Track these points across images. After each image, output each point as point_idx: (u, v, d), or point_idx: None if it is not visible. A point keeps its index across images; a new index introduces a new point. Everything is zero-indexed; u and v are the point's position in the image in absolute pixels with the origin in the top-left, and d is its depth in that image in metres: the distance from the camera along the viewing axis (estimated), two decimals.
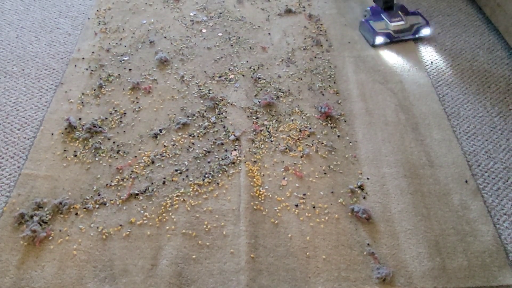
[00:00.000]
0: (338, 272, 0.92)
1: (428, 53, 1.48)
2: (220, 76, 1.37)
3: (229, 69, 1.40)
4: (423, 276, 0.92)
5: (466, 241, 0.98)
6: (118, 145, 1.16)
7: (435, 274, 0.92)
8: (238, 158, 1.13)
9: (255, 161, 1.13)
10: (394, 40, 1.49)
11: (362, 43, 1.51)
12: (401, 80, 1.38)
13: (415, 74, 1.40)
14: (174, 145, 1.17)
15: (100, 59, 1.42)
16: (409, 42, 1.51)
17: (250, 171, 1.10)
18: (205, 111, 1.26)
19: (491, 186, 1.09)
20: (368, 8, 1.57)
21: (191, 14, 1.63)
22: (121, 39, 1.50)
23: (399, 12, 1.51)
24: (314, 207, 1.04)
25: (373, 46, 1.49)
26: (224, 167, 1.11)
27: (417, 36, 1.50)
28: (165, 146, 1.16)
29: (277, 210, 1.03)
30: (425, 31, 1.51)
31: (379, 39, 1.48)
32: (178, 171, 1.10)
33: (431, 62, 1.44)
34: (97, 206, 1.03)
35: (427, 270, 0.93)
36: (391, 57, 1.46)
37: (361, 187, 1.08)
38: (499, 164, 1.14)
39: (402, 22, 1.49)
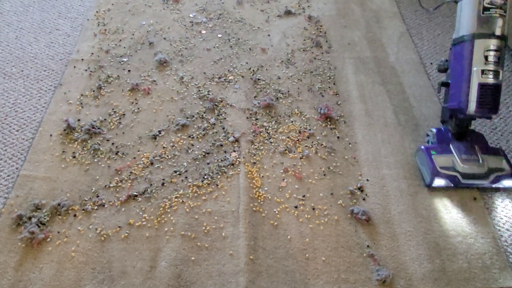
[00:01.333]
0: (337, 274, 0.92)
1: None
2: (219, 78, 1.37)
3: (228, 70, 1.40)
4: (423, 278, 0.92)
5: (466, 243, 0.98)
6: (117, 146, 1.16)
7: (435, 276, 0.92)
8: (238, 159, 1.13)
9: (254, 163, 1.13)
10: (460, 187, 1.07)
11: (361, 45, 1.51)
12: (401, 81, 1.38)
13: (415, 76, 1.40)
14: (173, 146, 1.16)
15: (99, 60, 1.41)
16: None
17: (250, 172, 1.10)
18: (205, 112, 1.26)
19: (492, 188, 1.09)
20: (433, 130, 1.14)
21: (191, 15, 1.63)
22: (120, 40, 1.50)
23: (475, 146, 1.07)
24: (313, 209, 1.03)
25: (428, 187, 1.08)
26: (223, 168, 1.11)
27: (494, 186, 1.07)
28: (164, 147, 1.16)
29: (277, 212, 1.02)
30: (508, 183, 1.06)
31: (439, 182, 1.06)
32: (177, 173, 1.10)
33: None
34: (95, 207, 1.02)
35: (427, 272, 0.93)
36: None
37: (360, 189, 1.08)
38: None
39: (477, 163, 1.05)
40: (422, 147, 1.10)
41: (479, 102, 1.01)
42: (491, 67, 1.01)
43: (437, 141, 1.11)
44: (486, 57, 1.01)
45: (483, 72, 1.01)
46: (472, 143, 1.08)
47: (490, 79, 1.01)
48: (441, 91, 1.17)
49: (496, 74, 1.01)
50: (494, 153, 1.09)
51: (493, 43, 1.01)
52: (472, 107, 1.02)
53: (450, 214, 1.03)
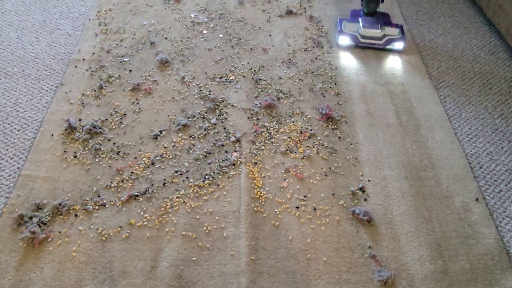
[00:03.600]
0: (339, 275, 0.92)
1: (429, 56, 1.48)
2: (220, 77, 1.37)
3: (229, 70, 1.40)
4: (425, 279, 0.91)
5: (468, 243, 0.97)
6: (118, 146, 1.16)
7: (436, 277, 0.92)
8: (239, 159, 1.13)
9: (255, 163, 1.12)
10: (360, 45, 1.45)
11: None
12: (402, 82, 1.37)
13: (416, 76, 1.40)
14: (174, 146, 1.16)
15: (100, 60, 1.41)
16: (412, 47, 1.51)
17: (251, 172, 1.10)
18: (206, 112, 1.25)
19: (493, 188, 1.09)
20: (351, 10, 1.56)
21: (192, 15, 1.63)
22: (121, 40, 1.50)
23: (378, 20, 1.45)
24: (315, 209, 1.03)
25: (337, 46, 1.46)
26: (225, 168, 1.11)
27: (387, 47, 1.44)
28: (165, 147, 1.16)
29: (278, 212, 1.02)
30: (398, 45, 1.45)
31: (343, 40, 1.45)
32: (178, 173, 1.10)
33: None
34: (96, 207, 1.02)
35: (428, 273, 0.92)
36: (393, 60, 1.45)
37: (362, 189, 1.07)
38: (501, 166, 1.14)
39: (375, 30, 1.42)
40: (338, 18, 1.51)
41: None
42: None
43: (350, 15, 1.52)
44: None
45: None
46: (377, 18, 1.45)
47: None
48: None
49: None
50: (394, 26, 1.45)
51: None
52: None
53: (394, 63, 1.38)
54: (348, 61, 1.42)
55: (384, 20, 1.47)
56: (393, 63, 1.44)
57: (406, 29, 1.57)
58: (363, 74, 1.40)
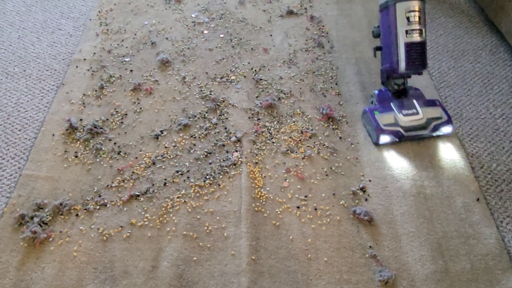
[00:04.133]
0: (339, 275, 0.92)
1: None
2: (221, 78, 1.37)
3: (230, 70, 1.40)
4: (426, 279, 0.91)
5: (469, 243, 0.97)
6: (119, 146, 1.16)
7: (437, 277, 0.92)
8: (239, 159, 1.13)
9: (256, 163, 1.12)
10: (404, 140, 1.17)
11: (364, 45, 1.51)
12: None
13: (417, 76, 1.39)
14: (175, 146, 1.16)
15: (101, 60, 1.41)
16: None
17: (252, 172, 1.10)
18: (207, 112, 1.26)
19: (494, 188, 1.09)
20: (375, 92, 1.22)
21: (193, 15, 1.63)
22: (122, 40, 1.50)
23: (414, 101, 1.16)
24: (315, 209, 1.03)
25: (377, 145, 1.17)
26: (225, 168, 1.11)
27: (434, 134, 1.17)
28: (166, 147, 1.16)
29: (279, 212, 1.02)
30: (446, 129, 1.17)
31: (385, 138, 1.15)
32: (179, 172, 1.10)
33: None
34: (97, 207, 1.02)
35: (429, 273, 0.92)
36: None
37: (363, 189, 1.07)
38: (502, 166, 1.14)
39: (417, 116, 1.14)
40: (366, 108, 1.19)
41: (407, 61, 1.12)
42: (413, 26, 1.10)
43: (378, 101, 1.20)
44: (408, 18, 1.11)
45: (407, 32, 1.11)
46: (410, 99, 1.17)
47: (414, 38, 1.11)
48: (376, 55, 1.23)
49: (420, 32, 1.11)
50: (431, 105, 1.18)
51: (412, 5, 1.10)
52: (402, 66, 1.13)
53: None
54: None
55: (418, 97, 1.19)
56: None
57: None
58: (364, 74, 1.40)
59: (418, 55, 1.12)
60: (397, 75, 1.18)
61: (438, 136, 1.18)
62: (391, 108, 1.16)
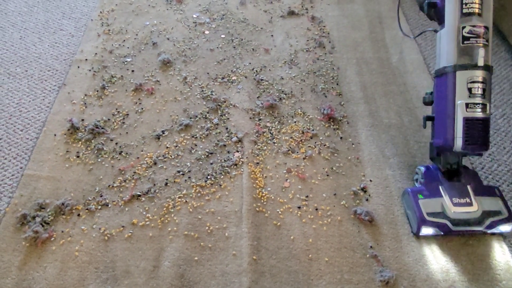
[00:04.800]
0: (340, 275, 0.92)
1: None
2: (222, 78, 1.37)
3: (231, 70, 1.40)
4: (426, 279, 0.91)
5: (470, 244, 0.97)
6: (120, 146, 1.16)
7: (438, 277, 0.92)
8: (241, 159, 1.13)
9: (257, 163, 1.13)
10: (450, 234, 0.97)
11: (365, 45, 1.51)
12: (404, 82, 1.37)
13: (418, 76, 1.40)
14: (176, 146, 1.16)
15: (103, 61, 1.42)
16: None
17: (253, 172, 1.10)
18: (208, 113, 1.26)
19: None
20: (422, 169, 1.04)
21: (194, 16, 1.63)
22: (124, 40, 1.50)
23: (468, 187, 0.96)
24: (316, 209, 1.03)
25: (416, 235, 0.98)
26: (227, 168, 1.11)
27: (489, 232, 0.97)
28: (167, 147, 1.16)
29: (280, 212, 1.02)
30: (504, 228, 0.96)
31: (427, 231, 0.96)
32: (181, 173, 1.10)
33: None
34: (99, 207, 1.02)
35: (430, 273, 0.92)
36: None
37: (364, 189, 1.07)
38: (503, 167, 1.14)
39: (470, 208, 0.94)
40: (409, 189, 1.00)
41: (466, 139, 0.93)
42: (476, 100, 0.92)
43: (425, 181, 1.01)
44: (470, 90, 0.93)
45: (467, 105, 0.93)
46: (464, 183, 0.97)
47: (476, 113, 0.92)
48: (427, 125, 1.07)
49: (483, 107, 0.92)
50: (489, 194, 0.97)
51: (476, 75, 0.92)
52: (458, 144, 0.93)
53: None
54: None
55: (474, 182, 0.99)
56: (395, 64, 1.44)
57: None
58: (365, 74, 1.40)
59: (479, 133, 0.92)
60: (451, 154, 0.99)
61: None
62: (440, 193, 0.97)
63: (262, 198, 1.05)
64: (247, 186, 1.06)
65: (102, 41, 1.49)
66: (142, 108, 1.27)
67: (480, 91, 0.92)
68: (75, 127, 1.19)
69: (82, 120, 1.23)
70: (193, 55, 1.45)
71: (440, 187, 0.98)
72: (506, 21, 1.48)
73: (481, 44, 0.93)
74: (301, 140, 1.19)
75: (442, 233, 0.96)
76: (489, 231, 0.96)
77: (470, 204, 0.94)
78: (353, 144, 1.18)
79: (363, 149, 1.17)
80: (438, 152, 1.02)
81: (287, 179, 1.09)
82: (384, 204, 1.05)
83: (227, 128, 1.21)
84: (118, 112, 1.25)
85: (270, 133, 1.20)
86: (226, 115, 1.25)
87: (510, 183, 1.10)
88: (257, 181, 1.08)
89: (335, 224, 1.00)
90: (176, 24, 1.58)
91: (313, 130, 1.21)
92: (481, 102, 0.92)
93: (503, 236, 0.98)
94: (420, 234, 0.97)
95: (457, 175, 1.00)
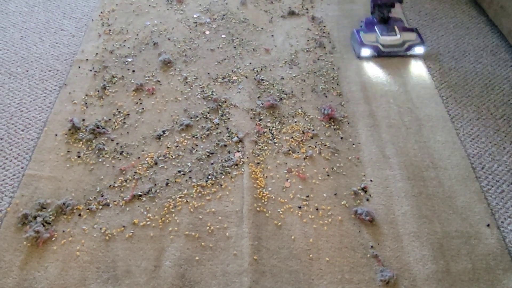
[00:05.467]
0: (341, 275, 0.92)
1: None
2: (223, 78, 1.37)
3: (232, 70, 1.40)
4: (427, 279, 0.91)
5: (470, 243, 0.98)
6: (121, 146, 1.16)
7: (439, 277, 0.92)
8: (241, 159, 1.13)
9: (258, 163, 1.13)
10: (382, 55, 1.43)
11: None
12: (404, 82, 1.38)
13: (418, 77, 1.40)
14: (177, 146, 1.17)
15: (103, 61, 1.42)
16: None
17: (253, 172, 1.10)
18: (208, 113, 1.26)
19: (495, 189, 1.09)
20: (363, 19, 1.52)
21: (195, 16, 1.63)
22: (124, 40, 1.50)
23: (395, 27, 1.43)
24: (317, 209, 1.03)
25: (359, 58, 1.43)
26: (227, 168, 1.11)
27: (408, 53, 1.43)
28: (168, 147, 1.16)
29: (280, 212, 1.03)
30: (418, 50, 1.44)
31: (365, 52, 1.42)
32: (181, 173, 1.10)
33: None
34: (100, 207, 1.03)
35: (431, 273, 0.93)
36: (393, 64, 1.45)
37: (364, 189, 1.08)
38: (503, 167, 1.14)
39: (395, 37, 1.41)
40: (354, 30, 1.48)
41: None
42: None
43: (365, 25, 1.49)
44: None
45: None
46: (392, 25, 1.44)
47: None
48: None
49: None
50: (409, 30, 1.44)
51: None
52: None
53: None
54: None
55: (399, 25, 1.45)
56: (398, 65, 1.44)
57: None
58: (365, 75, 1.40)
59: None
60: (379, 4, 1.44)
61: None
62: (375, 30, 1.44)
63: (263, 198, 1.05)
64: (247, 186, 1.07)
65: (103, 41, 1.49)
66: (143, 108, 1.27)
67: None
68: (76, 127, 1.19)
69: (83, 120, 1.23)
70: (194, 55, 1.45)
71: (375, 26, 1.45)
72: (506, 22, 1.48)
73: None
74: (301, 140, 1.19)
75: (376, 54, 1.43)
76: (408, 53, 1.44)
77: (396, 35, 1.42)
78: (353, 144, 1.19)
79: (364, 149, 1.17)
80: (373, 6, 1.47)
81: (287, 179, 1.10)
82: (384, 204, 1.05)
83: (227, 128, 1.21)
84: (119, 112, 1.26)
85: (271, 133, 1.21)
86: (227, 115, 1.25)
87: (510, 183, 1.10)
88: (257, 181, 1.08)
89: (335, 224, 1.01)
90: (176, 24, 1.58)
91: (313, 130, 1.22)
92: None
93: (419, 57, 1.45)
94: (361, 55, 1.43)
95: (387, 21, 1.46)
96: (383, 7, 1.45)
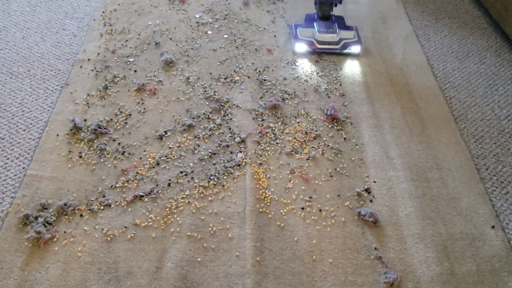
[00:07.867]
0: (345, 276, 0.91)
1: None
2: (225, 78, 1.37)
3: (234, 71, 1.39)
4: (431, 281, 0.91)
5: (475, 245, 0.97)
6: (123, 147, 1.16)
7: (443, 279, 0.91)
8: (244, 160, 1.12)
9: (260, 164, 1.12)
10: (317, 51, 1.43)
11: (367, 45, 1.51)
12: (408, 82, 1.37)
13: (421, 77, 1.39)
14: (179, 146, 1.16)
15: (105, 60, 1.41)
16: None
17: (256, 173, 1.09)
18: (211, 113, 1.25)
19: (500, 190, 1.08)
20: (304, 15, 1.52)
21: (197, 16, 1.63)
22: (126, 40, 1.50)
23: (335, 24, 1.43)
24: (320, 210, 1.03)
25: (293, 53, 1.43)
26: (230, 169, 1.10)
27: (344, 51, 1.43)
28: (170, 147, 1.16)
29: (283, 213, 1.02)
30: (355, 49, 1.43)
31: (300, 47, 1.42)
32: (183, 173, 1.09)
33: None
34: (101, 207, 1.02)
35: (435, 275, 0.92)
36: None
37: (367, 190, 1.07)
38: (507, 168, 1.13)
39: (331, 35, 1.40)
40: (293, 23, 1.49)
41: None
42: None
43: (304, 20, 1.50)
44: None
45: None
46: (333, 22, 1.44)
47: None
48: None
49: None
50: (348, 29, 1.44)
51: None
52: None
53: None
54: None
55: (339, 23, 1.46)
56: (399, 64, 1.43)
57: (362, 31, 1.55)
58: (369, 75, 1.39)
59: None
60: (322, 2, 1.43)
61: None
62: (313, 26, 1.44)
63: (266, 199, 1.04)
64: (250, 187, 1.06)
65: (104, 41, 1.49)
66: (145, 108, 1.26)
67: None
68: (77, 127, 1.19)
69: (85, 120, 1.22)
70: (196, 55, 1.45)
71: (314, 23, 1.44)
72: (510, 22, 1.47)
73: None
74: (304, 141, 1.18)
75: (311, 50, 1.42)
76: (344, 51, 1.43)
77: (334, 33, 1.41)
78: (356, 145, 1.18)
79: (367, 150, 1.16)
80: (315, 2, 1.48)
81: (290, 180, 1.09)
82: (388, 205, 1.04)
83: (230, 129, 1.21)
84: (121, 112, 1.25)
85: (273, 133, 1.20)
86: (229, 115, 1.25)
87: None
88: (260, 182, 1.08)
89: (339, 226, 1.00)
90: (178, 24, 1.58)
91: (316, 130, 1.21)
92: None
93: (355, 55, 1.45)
94: (296, 49, 1.43)
95: (328, 18, 1.46)
96: (324, 5, 1.45)
